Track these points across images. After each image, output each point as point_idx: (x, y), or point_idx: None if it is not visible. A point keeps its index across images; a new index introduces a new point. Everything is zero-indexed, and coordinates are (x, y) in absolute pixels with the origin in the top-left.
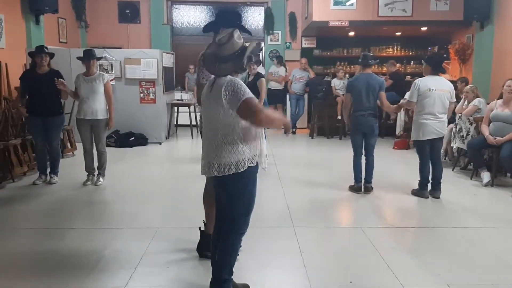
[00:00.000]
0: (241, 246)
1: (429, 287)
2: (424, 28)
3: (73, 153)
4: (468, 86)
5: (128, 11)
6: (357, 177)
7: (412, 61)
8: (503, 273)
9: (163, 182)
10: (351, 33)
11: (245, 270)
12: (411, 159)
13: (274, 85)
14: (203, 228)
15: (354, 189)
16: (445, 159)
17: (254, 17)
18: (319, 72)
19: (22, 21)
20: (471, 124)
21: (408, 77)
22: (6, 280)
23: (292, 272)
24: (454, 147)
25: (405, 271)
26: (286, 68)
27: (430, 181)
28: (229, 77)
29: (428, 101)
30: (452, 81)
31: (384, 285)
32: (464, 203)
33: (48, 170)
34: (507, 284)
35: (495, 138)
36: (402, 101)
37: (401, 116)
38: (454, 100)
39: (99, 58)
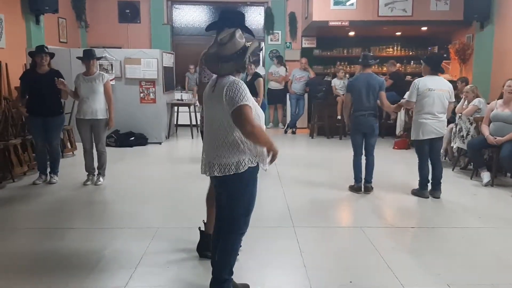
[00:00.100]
0: (241, 246)
1: (429, 287)
2: (424, 28)
3: (73, 153)
4: (468, 86)
5: (128, 11)
6: (357, 177)
7: (412, 61)
8: (503, 273)
9: (163, 182)
10: (351, 33)
11: (245, 270)
12: (411, 159)
13: (274, 85)
14: (203, 228)
15: (354, 189)
16: (445, 159)
17: (254, 17)
18: (319, 72)
19: (22, 21)
20: (471, 124)
21: (408, 77)
22: (6, 280)
23: (292, 272)
24: (454, 147)
25: (405, 271)
26: (286, 68)
27: (430, 181)
28: (232, 78)
29: (427, 100)
30: (452, 81)
31: (384, 285)
32: (464, 203)
33: (48, 170)
34: (507, 284)
35: (495, 138)
36: (402, 100)
37: (401, 116)
38: (453, 100)
39: (99, 58)
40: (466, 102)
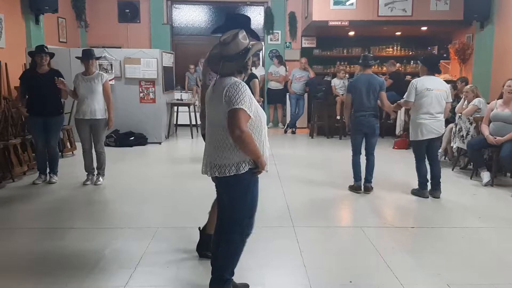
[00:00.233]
0: None
1: (429, 287)
2: (424, 28)
3: (73, 152)
4: (468, 86)
5: (128, 10)
6: (356, 176)
7: (412, 61)
8: (503, 272)
9: (163, 182)
10: (351, 33)
11: (245, 270)
12: (411, 158)
13: (274, 85)
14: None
15: (354, 188)
16: (445, 159)
17: (254, 17)
18: (319, 72)
19: (22, 20)
20: (471, 124)
21: (408, 77)
22: (6, 280)
23: (292, 272)
24: (454, 147)
25: (405, 271)
26: (286, 68)
27: (430, 180)
28: (233, 79)
29: (425, 100)
30: (452, 81)
31: (384, 285)
32: (464, 203)
33: (48, 170)
34: (507, 284)
35: (495, 138)
36: (400, 100)
37: (401, 116)
38: (451, 100)
39: (98, 58)
40: (466, 102)
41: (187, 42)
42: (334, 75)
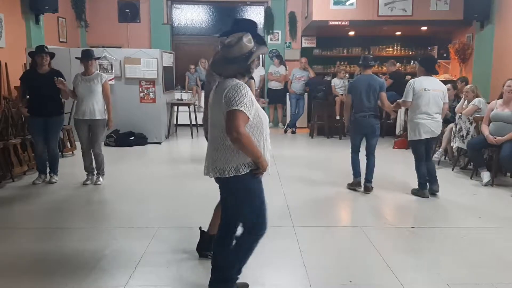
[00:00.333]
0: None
1: (429, 287)
2: (424, 28)
3: (73, 152)
4: (468, 86)
5: (128, 10)
6: (355, 172)
7: (412, 61)
8: (502, 272)
9: (163, 181)
10: (351, 33)
11: (245, 269)
12: (411, 158)
13: (274, 85)
14: (203, 228)
15: (354, 185)
16: (445, 158)
17: (254, 17)
18: (319, 72)
19: (22, 20)
20: (471, 123)
21: (408, 77)
22: (6, 280)
23: (292, 272)
24: (454, 147)
25: (405, 270)
26: (286, 67)
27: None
28: (235, 81)
29: (423, 100)
30: (452, 81)
31: (384, 285)
32: (464, 203)
33: (48, 170)
34: (507, 284)
35: (495, 138)
36: (399, 100)
37: (401, 116)
38: (447, 100)
39: (97, 58)
40: (466, 102)
41: (187, 42)
42: (334, 75)
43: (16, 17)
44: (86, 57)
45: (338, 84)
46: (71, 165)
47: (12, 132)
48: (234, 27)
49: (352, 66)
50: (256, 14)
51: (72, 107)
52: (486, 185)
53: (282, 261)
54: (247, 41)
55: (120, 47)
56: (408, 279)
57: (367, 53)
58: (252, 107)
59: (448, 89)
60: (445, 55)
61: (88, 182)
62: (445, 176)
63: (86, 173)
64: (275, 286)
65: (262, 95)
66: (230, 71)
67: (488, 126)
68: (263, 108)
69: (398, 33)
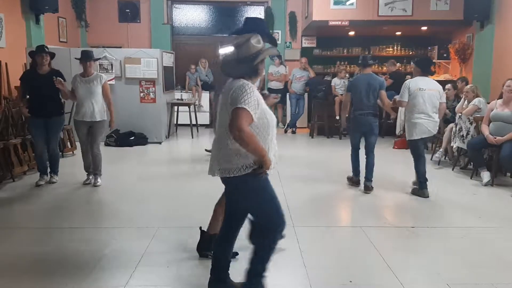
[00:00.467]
0: (236, 252)
1: (429, 287)
2: (424, 28)
3: (73, 152)
4: (469, 86)
5: (128, 10)
6: (355, 170)
7: (412, 61)
8: (502, 272)
9: (163, 181)
10: (351, 33)
11: (244, 269)
12: (411, 158)
13: (274, 85)
14: (204, 228)
15: (353, 181)
16: (445, 158)
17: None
18: (319, 72)
19: (22, 20)
20: (471, 123)
21: (408, 77)
22: (6, 280)
23: (292, 272)
24: (454, 147)
25: (405, 270)
26: (286, 67)
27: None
28: (242, 81)
29: (419, 100)
30: (452, 81)
31: (384, 285)
32: (464, 203)
33: (48, 169)
34: (507, 284)
35: (495, 138)
36: (395, 96)
37: (401, 116)
38: (444, 100)
39: (97, 60)
40: (466, 102)
41: (187, 42)
42: (334, 75)
43: (16, 17)
44: (85, 58)
45: (338, 84)
46: (71, 165)
47: (12, 132)
48: (246, 25)
49: (352, 66)
50: (256, 14)
51: (72, 107)
52: (486, 185)
53: (282, 261)
54: (256, 42)
55: (120, 47)
56: (408, 279)
57: (367, 53)
58: (257, 108)
59: (448, 89)
60: (445, 55)
61: (88, 182)
62: (445, 176)
63: (86, 173)
64: (275, 286)
65: (262, 95)
66: (238, 72)
67: (488, 126)
68: (274, 105)
69: (398, 33)
